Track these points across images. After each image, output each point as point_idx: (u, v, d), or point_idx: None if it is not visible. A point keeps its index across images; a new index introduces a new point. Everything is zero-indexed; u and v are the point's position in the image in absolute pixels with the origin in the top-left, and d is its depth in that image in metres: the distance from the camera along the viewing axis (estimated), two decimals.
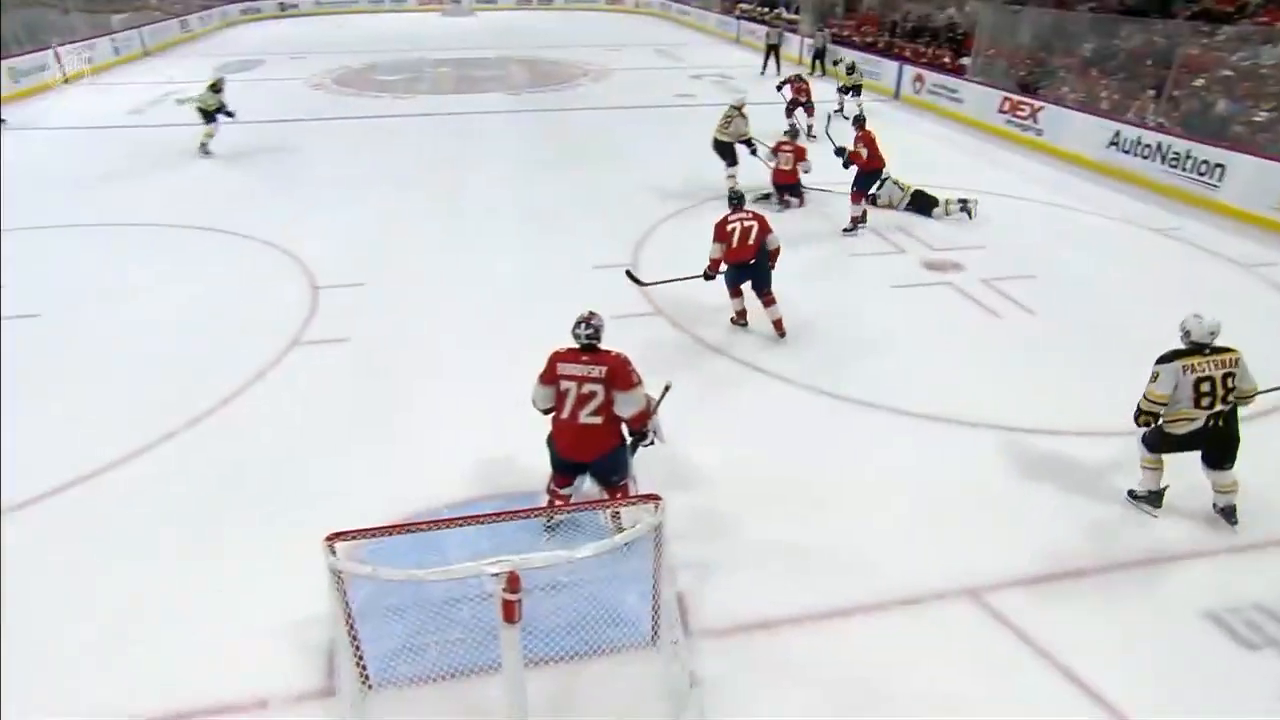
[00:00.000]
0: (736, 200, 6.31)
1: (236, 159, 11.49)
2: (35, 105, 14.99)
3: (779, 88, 12.80)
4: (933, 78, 15.29)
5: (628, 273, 6.91)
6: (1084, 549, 4.12)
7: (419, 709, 3.22)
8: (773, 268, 6.20)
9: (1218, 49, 11.20)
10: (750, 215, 6.14)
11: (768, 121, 10.89)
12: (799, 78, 12.88)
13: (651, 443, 3.93)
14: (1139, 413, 4.14)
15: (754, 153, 9.47)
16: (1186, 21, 12.01)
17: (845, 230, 8.58)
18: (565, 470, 3.94)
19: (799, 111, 12.35)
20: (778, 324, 6.28)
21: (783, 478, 4.65)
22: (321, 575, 2.88)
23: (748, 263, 6.11)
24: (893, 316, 6.77)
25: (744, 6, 26.60)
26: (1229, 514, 4.26)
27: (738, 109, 9.43)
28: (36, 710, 3.23)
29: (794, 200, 9.40)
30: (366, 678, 3.19)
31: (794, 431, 5.15)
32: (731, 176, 9.47)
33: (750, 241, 6.05)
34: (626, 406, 3.72)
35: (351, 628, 3.03)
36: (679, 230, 8.59)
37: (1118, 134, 10.93)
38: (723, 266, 6.22)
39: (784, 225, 8.99)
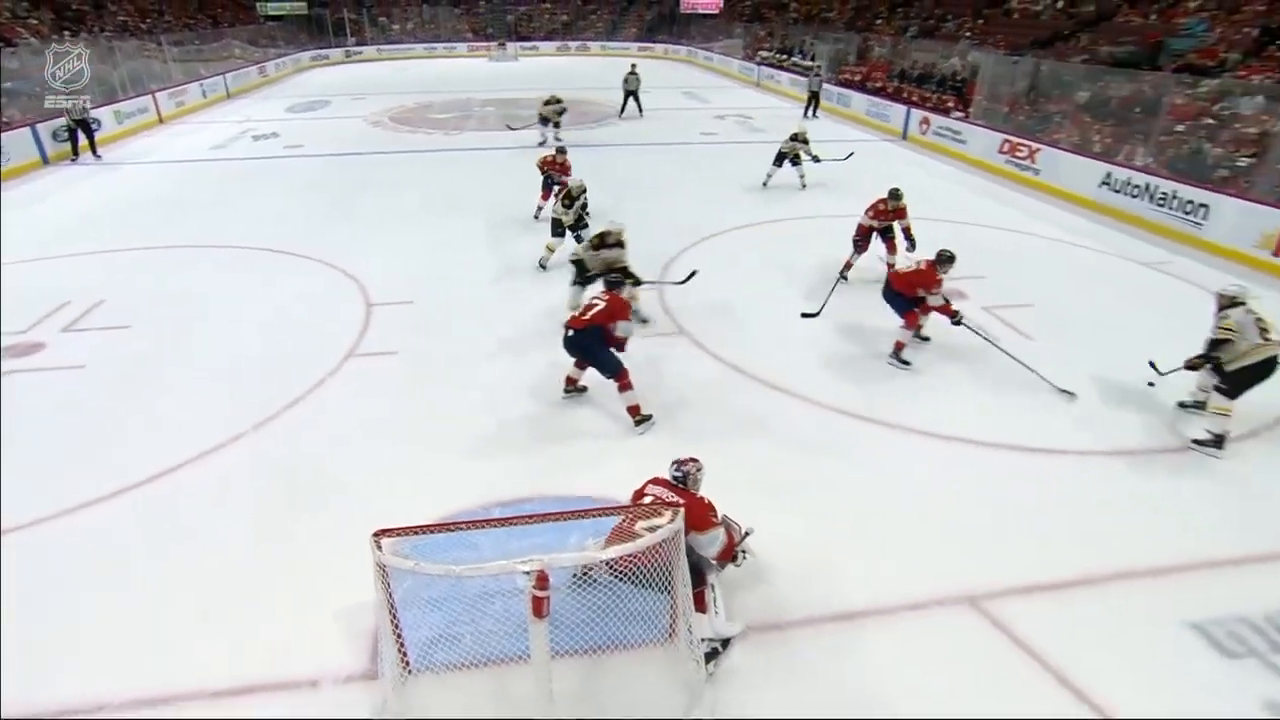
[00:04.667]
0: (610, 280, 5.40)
1: (305, 189, 11.71)
2: (137, 143, 15.43)
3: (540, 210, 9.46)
4: (938, 120, 15.21)
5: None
6: (1076, 560, 4.02)
7: (454, 692, 3.22)
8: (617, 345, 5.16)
9: (1201, 99, 11.04)
10: (606, 294, 5.17)
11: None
12: (559, 150, 9.53)
13: (740, 564, 3.71)
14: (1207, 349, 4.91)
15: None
16: (1172, 74, 11.90)
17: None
18: None
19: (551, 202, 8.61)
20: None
21: (798, 483, 4.61)
22: (370, 567, 2.90)
23: (569, 332, 5.12)
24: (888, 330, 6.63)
25: (764, 54, 26.67)
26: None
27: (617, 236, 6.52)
28: (119, 677, 3.30)
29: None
30: (407, 663, 3.19)
31: (802, 441, 5.11)
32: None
33: (585, 315, 5.08)
34: (708, 546, 3.40)
35: (394, 617, 3.04)
36: (699, 263, 8.56)
37: (1109, 175, 10.77)
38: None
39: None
